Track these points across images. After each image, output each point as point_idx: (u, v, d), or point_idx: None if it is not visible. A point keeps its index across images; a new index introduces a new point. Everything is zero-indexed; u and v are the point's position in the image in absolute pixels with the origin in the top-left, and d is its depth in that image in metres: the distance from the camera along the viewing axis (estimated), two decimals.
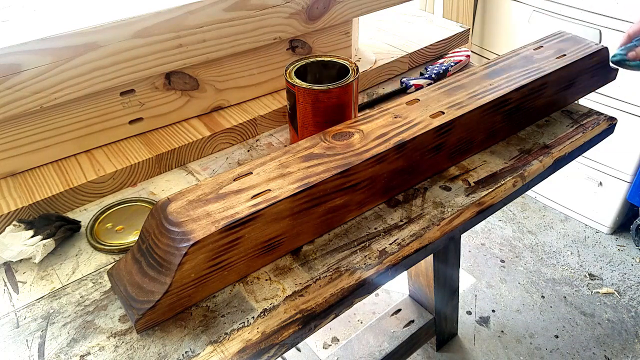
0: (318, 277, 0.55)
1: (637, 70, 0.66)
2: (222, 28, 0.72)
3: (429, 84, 0.87)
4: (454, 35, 1.01)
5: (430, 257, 1.17)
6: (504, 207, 1.65)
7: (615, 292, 1.59)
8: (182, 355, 0.48)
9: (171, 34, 0.68)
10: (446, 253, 1.18)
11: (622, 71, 0.88)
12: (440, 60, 0.96)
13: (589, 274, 1.65)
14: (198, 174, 0.73)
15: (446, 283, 1.25)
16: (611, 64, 0.71)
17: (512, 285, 1.62)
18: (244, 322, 0.51)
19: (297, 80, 0.67)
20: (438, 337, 1.40)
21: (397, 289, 1.60)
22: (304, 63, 0.71)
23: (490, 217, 1.39)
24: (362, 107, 0.84)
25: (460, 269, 1.31)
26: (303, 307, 0.53)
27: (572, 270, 1.67)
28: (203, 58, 0.73)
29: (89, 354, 0.49)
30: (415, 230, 0.61)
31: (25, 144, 0.66)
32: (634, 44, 0.65)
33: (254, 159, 0.61)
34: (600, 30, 1.51)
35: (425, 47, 0.97)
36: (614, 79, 0.87)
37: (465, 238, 1.79)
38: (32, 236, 0.58)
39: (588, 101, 1.58)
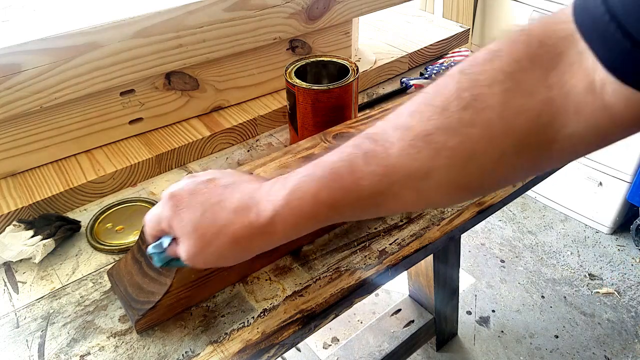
0: (318, 277, 0.55)
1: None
2: (222, 28, 0.72)
3: (429, 84, 0.87)
4: (454, 35, 1.01)
5: (430, 257, 1.17)
6: (504, 207, 1.65)
7: (615, 292, 1.59)
8: (182, 355, 0.48)
9: (171, 34, 0.68)
10: (446, 253, 1.18)
11: None
12: (441, 60, 0.96)
13: (589, 274, 1.65)
14: None
15: (446, 283, 1.25)
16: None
17: (512, 285, 1.62)
18: (244, 322, 0.51)
19: (297, 80, 0.67)
20: (438, 337, 1.40)
21: (397, 289, 1.59)
22: (303, 63, 0.71)
23: (490, 217, 1.39)
24: (362, 107, 0.84)
25: (460, 269, 1.31)
26: (303, 307, 0.52)
27: (572, 270, 1.67)
28: (203, 58, 0.73)
29: (89, 354, 0.49)
30: (415, 230, 0.61)
31: (25, 144, 0.66)
32: (163, 244, 0.44)
33: (254, 159, 0.61)
34: None
35: (425, 47, 0.97)
36: None
37: (465, 238, 1.79)
38: (32, 236, 0.58)
39: None
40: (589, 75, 0.29)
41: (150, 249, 0.44)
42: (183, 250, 0.41)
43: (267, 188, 0.40)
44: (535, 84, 0.30)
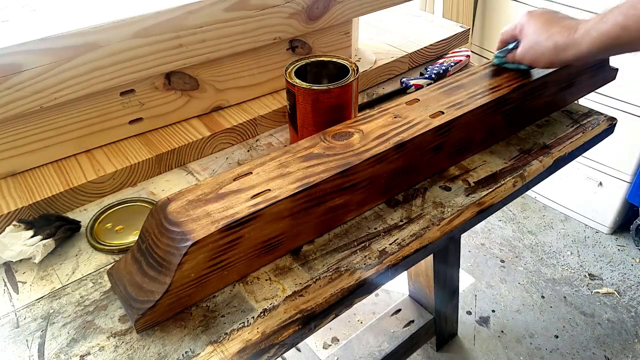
0: (318, 277, 0.56)
1: (515, 71, 0.74)
2: (222, 28, 0.72)
3: (428, 84, 0.87)
4: (453, 35, 1.01)
5: (430, 257, 1.17)
6: (504, 207, 1.65)
7: (615, 292, 1.59)
8: (182, 355, 0.48)
9: (171, 34, 0.68)
10: (446, 253, 1.18)
11: (621, 71, 0.88)
12: (440, 60, 0.96)
13: (588, 274, 1.65)
14: (198, 174, 0.73)
15: (446, 283, 1.25)
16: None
17: (512, 285, 1.62)
18: (243, 322, 0.51)
19: (297, 80, 0.67)
20: (438, 337, 1.40)
21: (397, 289, 1.60)
22: (303, 63, 0.71)
23: (490, 217, 1.40)
24: (362, 107, 0.84)
25: (460, 269, 1.31)
26: (303, 307, 0.53)
27: (572, 271, 1.67)
28: (203, 58, 0.73)
29: (89, 354, 0.49)
30: (415, 230, 0.61)
31: (25, 144, 0.66)
32: (509, 47, 0.72)
33: (254, 159, 0.61)
34: None
35: (425, 47, 0.97)
36: (614, 79, 0.87)
37: (465, 238, 1.79)
38: (32, 236, 0.58)
39: (588, 101, 1.57)
40: None
41: (496, 53, 0.74)
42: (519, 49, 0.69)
43: (579, 23, 0.65)
44: None
